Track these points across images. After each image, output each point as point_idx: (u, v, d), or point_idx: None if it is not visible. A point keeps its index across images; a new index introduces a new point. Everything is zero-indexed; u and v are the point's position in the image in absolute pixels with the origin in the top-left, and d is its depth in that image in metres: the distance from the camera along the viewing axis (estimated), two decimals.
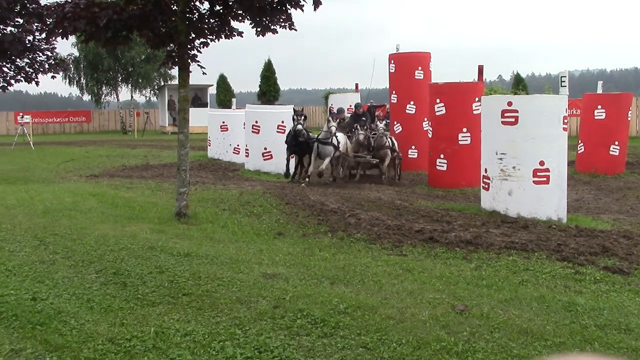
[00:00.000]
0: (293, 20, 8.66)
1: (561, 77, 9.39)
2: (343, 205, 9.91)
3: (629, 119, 16.57)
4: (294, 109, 14.07)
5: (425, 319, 4.55)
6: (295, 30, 8.78)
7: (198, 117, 26.46)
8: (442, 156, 13.06)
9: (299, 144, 13.41)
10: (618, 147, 15.61)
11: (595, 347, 4.10)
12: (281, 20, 8.62)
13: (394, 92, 17.09)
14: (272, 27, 8.70)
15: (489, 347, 4.09)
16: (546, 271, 5.97)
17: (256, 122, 15.67)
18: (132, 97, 41.51)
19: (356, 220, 8.62)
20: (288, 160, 13.92)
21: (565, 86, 9.36)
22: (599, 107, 15.67)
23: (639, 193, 12.69)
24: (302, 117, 13.20)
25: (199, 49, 8.74)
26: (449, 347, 4.04)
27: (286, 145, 13.72)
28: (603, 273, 5.90)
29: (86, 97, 42.24)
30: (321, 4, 8.20)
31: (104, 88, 41.19)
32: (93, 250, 6.48)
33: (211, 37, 8.79)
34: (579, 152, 16.29)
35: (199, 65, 8.78)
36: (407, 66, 16.80)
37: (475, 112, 12.44)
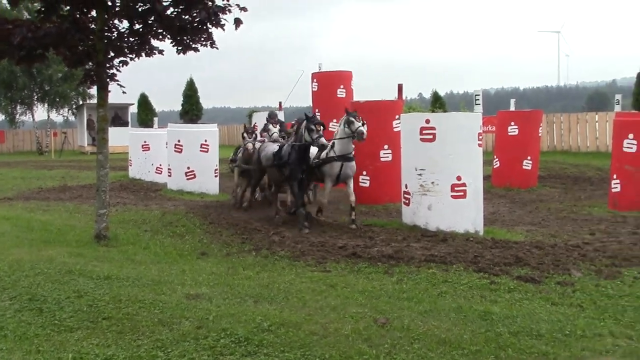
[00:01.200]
0: (214, 38, 8.67)
1: (475, 95, 9.80)
2: (267, 224, 9.92)
3: (540, 134, 17.40)
4: (289, 120, 12.92)
5: (348, 333, 4.63)
6: (217, 48, 8.78)
7: (118, 137, 25.83)
8: (364, 173, 13.28)
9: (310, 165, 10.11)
10: (530, 162, 16.34)
11: (509, 354, 4.29)
12: (202, 38, 8.61)
13: (317, 110, 17.28)
14: (193, 45, 8.68)
15: (409, 358, 4.20)
16: (464, 282, 6.18)
17: (179, 141, 15.49)
18: (48, 116, 40.17)
19: (280, 238, 8.66)
20: (300, 194, 9.95)
21: (479, 104, 9.78)
22: (512, 123, 16.37)
23: (550, 205, 13.31)
24: (321, 127, 9.71)
25: (118, 67, 8.61)
26: None
27: (290, 168, 9.83)
28: (516, 282, 6.16)
29: None
30: (242, 23, 8.26)
31: (18, 107, 39.66)
32: (7, 276, 6.24)
33: (131, 55, 8.68)
34: (494, 167, 16.94)
35: (118, 84, 8.65)
36: (329, 85, 17.04)
37: (395, 129, 12.75)
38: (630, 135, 11.84)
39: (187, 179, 15.44)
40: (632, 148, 11.89)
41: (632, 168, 11.85)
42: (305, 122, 9.65)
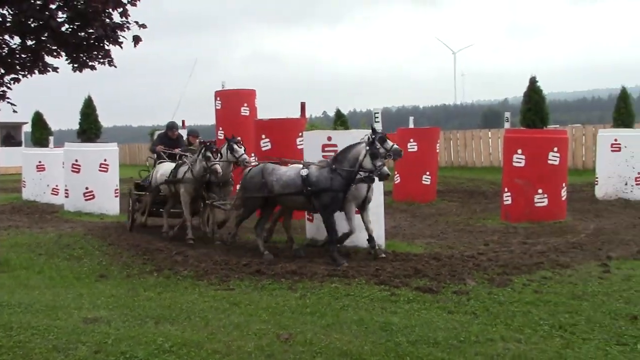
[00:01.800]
0: (112, 56, 8.47)
1: (375, 113, 10.09)
2: (170, 243, 9.74)
3: (438, 151, 18.11)
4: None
5: (251, 350, 4.63)
6: (115, 66, 8.58)
7: (11, 157, 24.67)
8: None
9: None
10: (429, 177, 16.96)
11: None
12: (99, 56, 8.39)
13: (220, 128, 17.20)
14: (90, 63, 8.43)
15: None
16: (365, 295, 6.33)
17: (76, 160, 14.94)
18: None
19: (183, 257, 8.53)
20: (334, 229, 8.46)
21: (378, 121, 10.07)
22: (412, 140, 16.95)
23: (448, 218, 13.85)
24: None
25: (9, 85, 8.23)
26: None
27: (331, 196, 8.33)
28: (415, 293, 6.38)
29: None
30: (141, 40, 8.11)
31: None
32: None
33: (23, 72, 8.32)
34: (395, 182, 17.44)
35: (9, 102, 8.27)
36: (232, 103, 17.02)
37: (299, 146, 12.88)
38: (519, 151, 12.55)
39: (86, 200, 14.89)
40: (520, 163, 12.60)
41: (522, 181, 12.56)
42: (373, 141, 8.22)
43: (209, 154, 9.87)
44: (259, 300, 6.23)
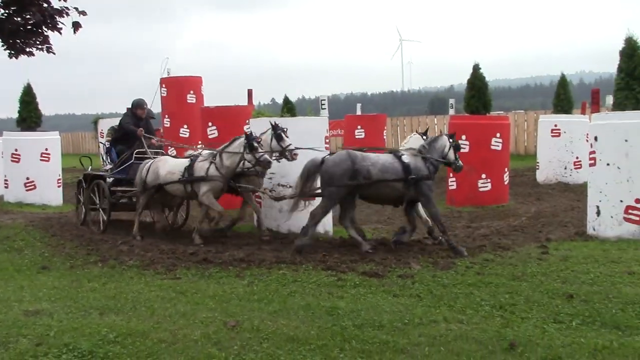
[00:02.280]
0: (51, 43, 8.26)
1: (321, 100, 10.11)
2: (115, 233, 9.58)
3: (385, 137, 18.31)
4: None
5: (198, 338, 4.63)
6: (54, 53, 8.39)
7: None
8: None
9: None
10: None
11: (353, 345, 4.50)
12: (37, 42, 8.18)
13: (166, 116, 16.98)
14: (27, 49, 8.22)
15: (258, 357, 4.29)
16: (312, 281, 6.38)
17: (16, 150, 14.46)
18: None
19: (129, 247, 8.42)
20: (440, 217, 8.27)
21: (325, 109, 10.11)
22: (359, 127, 17.13)
23: None
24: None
25: None
26: None
27: (428, 188, 8.14)
28: (362, 278, 6.46)
29: None
30: (81, 26, 7.97)
31: None
32: None
33: None
34: None
35: None
36: (178, 90, 16.82)
37: None
38: (463, 137, 12.78)
39: (27, 190, 14.46)
40: (465, 148, 12.84)
41: (466, 167, 12.80)
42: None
43: (255, 144, 8.74)
44: (205, 288, 6.20)
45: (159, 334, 4.71)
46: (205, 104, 15.82)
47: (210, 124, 13.28)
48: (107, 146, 10.82)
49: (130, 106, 10.66)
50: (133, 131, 10.26)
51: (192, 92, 16.79)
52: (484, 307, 5.39)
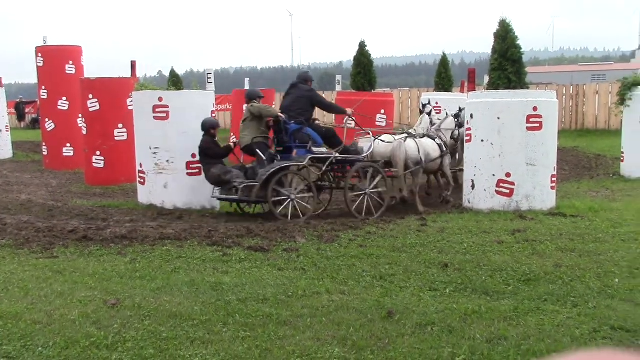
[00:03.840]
0: None
1: (207, 74, 9.94)
2: None
3: None
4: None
5: (75, 318, 4.48)
6: None
7: None
8: (98, 153, 12.74)
9: None
10: None
11: (237, 319, 4.53)
12: None
13: (43, 87, 16.06)
14: None
15: (139, 335, 4.21)
16: (197, 257, 6.32)
17: None
18: None
19: (1, 225, 7.94)
20: None
21: (211, 82, 9.95)
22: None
23: None
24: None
25: None
26: (98, 342, 4.06)
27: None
28: (247, 252, 6.48)
29: None
30: None
31: None
32: None
33: None
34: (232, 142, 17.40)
35: None
36: (56, 60, 15.94)
37: (130, 107, 12.39)
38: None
39: None
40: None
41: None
42: None
43: (460, 120, 10.32)
44: (85, 267, 5.99)
45: (34, 315, 4.52)
46: (86, 76, 15.10)
47: (90, 96, 12.74)
48: (290, 124, 9.16)
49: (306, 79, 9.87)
50: (343, 110, 10.19)
51: (71, 62, 15.96)
52: (365, 278, 5.58)
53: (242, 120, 9.36)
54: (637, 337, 4.20)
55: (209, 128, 8.96)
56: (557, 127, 9.00)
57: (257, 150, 8.90)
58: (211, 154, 8.90)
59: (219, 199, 9.15)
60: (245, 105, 9.56)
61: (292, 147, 8.99)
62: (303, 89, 9.64)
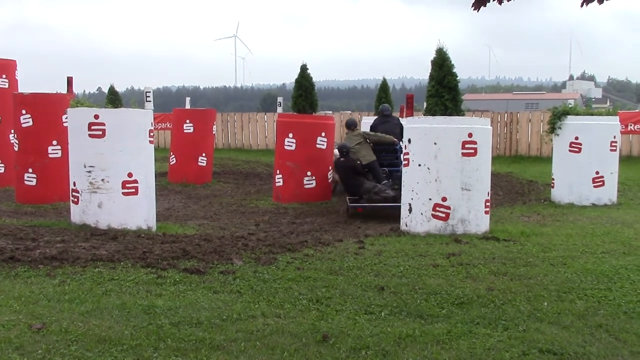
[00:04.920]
0: None
1: (146, 92, 9.81)
2: None
3: (214, 132, 18.17)
4: None
5: None
6: None
7: None
8: (30, 170, 12.34)
9: None
10: (205, 159, 16.98)
11: (169, 343, 4.42)
12: None
13: None
14: None
15: None
16: (130, 279, 6.15)
17: None
18: None
19: None
20: None
21: (150, 101, 9.82)
22: (188, 121, 16.81)
23: (222, 200, 14.01)
24: None
25: None
26: None
27: None
28: (182, 275, 6.35)
29: None
30: None
31: None
32: None
33: None
34: (171, 163, 17.18)
35: None
36: None
37: (65, 124, 12.07)
38: (290, 135, 13.09)
39: None
40: (292, 146, 13.15)
41: (292, 164, 13.12)
42: None
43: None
44: (10, 289, 5.73)
45: None
46: (21, 90, 14.65)
47: (24, 111, 12.37)
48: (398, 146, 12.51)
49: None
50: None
51: (4, 76, 15.47)
52: (301, 301, 5.55)
53: (356, 143, 12.30)
54: None
55: (349, 150, 11.87)
56: (492, 153, 9.25)
57: (375, 168, 12.14)
58: (359, 171, 11.70)
59: (365, 207, 11.29)
60: (347, 132, 12.95)
61: (399, 163, 11.82)
62: (395, 119, 12.97)
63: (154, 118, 11.70)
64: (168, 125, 23.37)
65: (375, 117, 17.50)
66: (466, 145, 8.56)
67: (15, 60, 16.12)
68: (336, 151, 12.61)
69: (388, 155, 12.72)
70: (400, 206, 9.28)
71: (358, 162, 12.02)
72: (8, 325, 4.67)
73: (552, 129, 12.34)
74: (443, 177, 8.63)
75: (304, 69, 13.42)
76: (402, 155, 10.51)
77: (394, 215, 9.85)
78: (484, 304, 5.50)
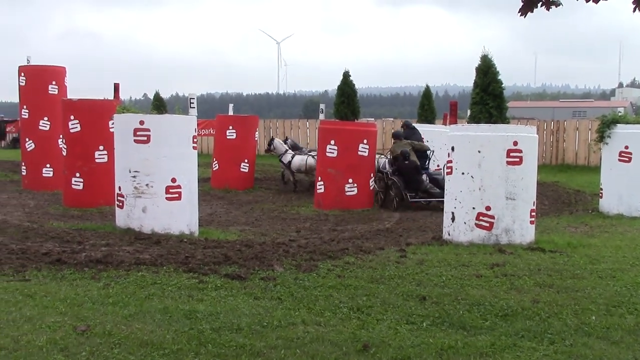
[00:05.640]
0: None
1: (190, 99, 9.92)
2: None
3: (256, 139, 18.30)
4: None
5: (43, 344, 4.37)
6: None
7: None
8: (77, 174, 12.61)
9: None
10: (247, 165, 17.11)
11: (209, 349, 4.44)
12: None
13: (25, 106, 15.95)
14: None
15: None
16: (172, 283, 6.21)
17: None
18: None
19: None
20: None
21: (194, 107, 9.93)
22: (231, 127, 16.99)
23: (264, 206, 14.08)
24: None
25: None
26: None
27: None
28: (224, 280, 6.39)
29: None
30: None
31: None
32: None
33: None
34: (213, 169, 17.36)
35: None
36: (39, 80, 15.86)
37: (112, 129, 12.30)
38: (332, 141, 13.08)
39: None
40: (333, 153, 13.14)
41: (334, 171, 13.10)
42: None
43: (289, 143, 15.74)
44: (57, 291, 5.86)
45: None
46: (69, 97, 15.03)
47: (72, 117, 12.65)
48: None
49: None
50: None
51: (54, 82, 15.88)
52: (342, 309, 5.50)
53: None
54: None
55: (409, 155, 13.25)
56: (537, 162, 9.06)
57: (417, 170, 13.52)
58: (420, 172, 13.28)
59: (416, 201, 13.28)
60: (395, 141, 14.26)
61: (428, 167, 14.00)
62: (417, 130, 15.02)
63: (198, 124, 11.83)
64: (211, 132, 23.66)
65: (418, 123, 17.41)
66: (511, 154, 8.40)
67: (64, 67, 16.55)
68: (389, 155, 14.03)
69: (421, 160, 14.17)
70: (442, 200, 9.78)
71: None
72: (54, 327, 4.76)
73: (601, 137, 12.03)
74: (487, 185, 8.48)
75: (346, 75, 13.41)
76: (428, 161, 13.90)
77: (440, 207, 11.14)
78: (529, 316, 5.37)
